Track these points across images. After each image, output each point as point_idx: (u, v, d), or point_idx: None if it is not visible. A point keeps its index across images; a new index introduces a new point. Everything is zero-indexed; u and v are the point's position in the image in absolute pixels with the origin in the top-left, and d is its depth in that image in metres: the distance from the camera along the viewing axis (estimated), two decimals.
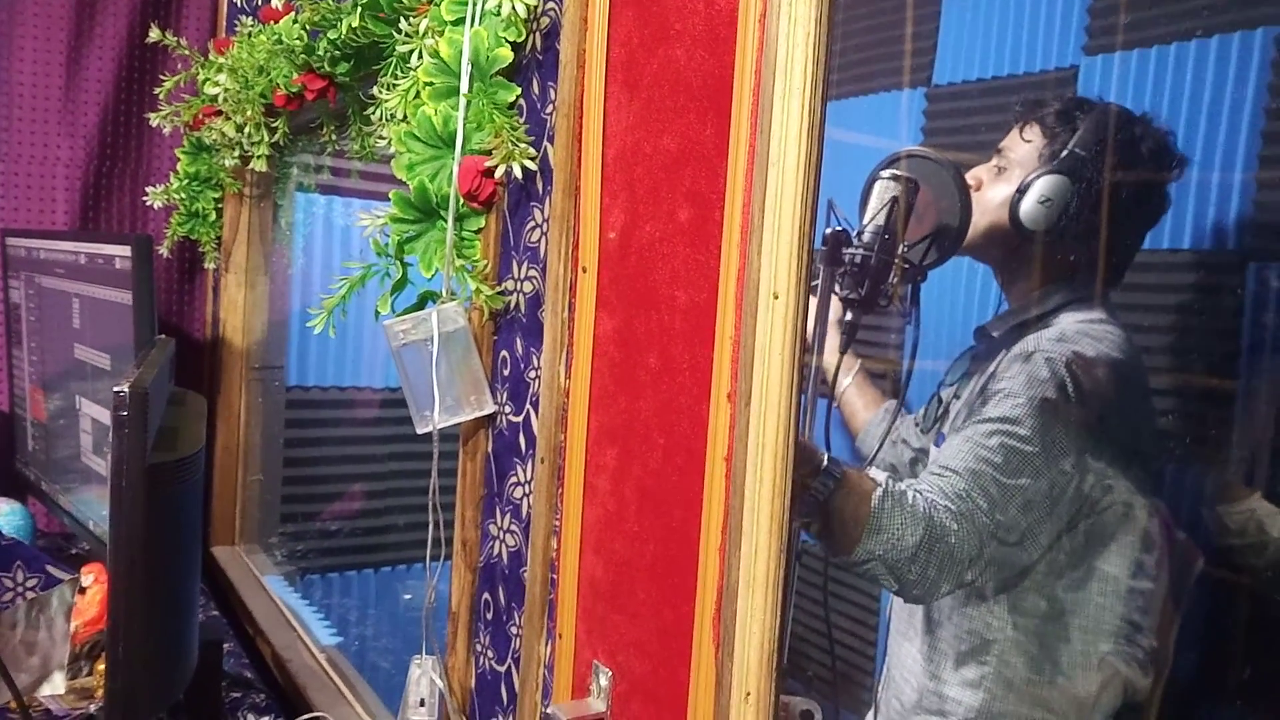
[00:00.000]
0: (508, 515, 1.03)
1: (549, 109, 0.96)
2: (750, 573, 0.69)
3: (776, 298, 0.67)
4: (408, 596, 2.29)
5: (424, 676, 1.07)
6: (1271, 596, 1.09)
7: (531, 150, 0.97)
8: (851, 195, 1.14)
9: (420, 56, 1.03)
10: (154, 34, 1.73)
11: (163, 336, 1.42)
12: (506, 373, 1.04)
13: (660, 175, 0.81)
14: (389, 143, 1.07)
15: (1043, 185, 1.09)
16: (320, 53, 1.28)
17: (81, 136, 2.07)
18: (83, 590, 1.41)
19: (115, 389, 0.91)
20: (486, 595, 1.07)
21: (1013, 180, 1.12)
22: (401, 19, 1.07)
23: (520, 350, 1.01)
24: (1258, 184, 1.17)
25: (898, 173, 1.09)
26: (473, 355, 1.04)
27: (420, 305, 1.05)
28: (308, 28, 1.30)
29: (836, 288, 1.09)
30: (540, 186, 0.97)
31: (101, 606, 1.42)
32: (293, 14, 1.37)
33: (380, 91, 1.09)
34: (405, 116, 1.04)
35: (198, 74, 1.75)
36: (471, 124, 1.00)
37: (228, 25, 2.04)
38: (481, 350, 1.05)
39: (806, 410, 0.74)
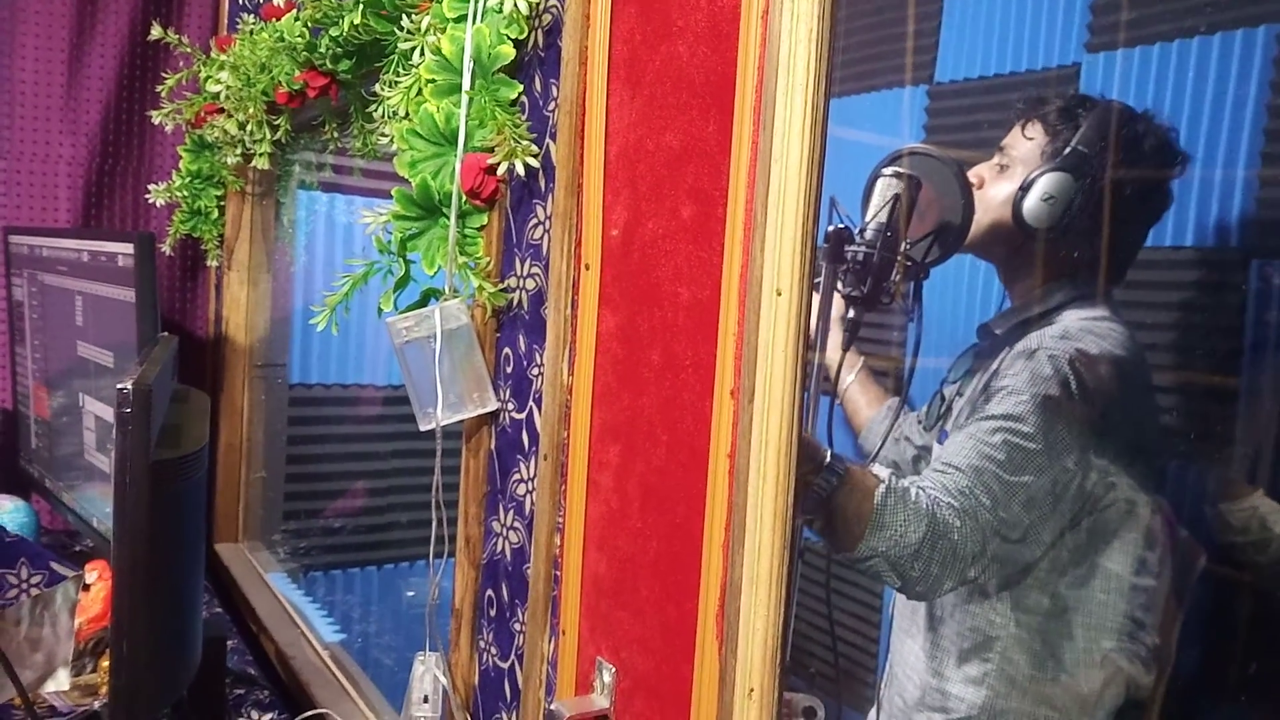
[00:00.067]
0: (511, 512, 1.03)
1: (551, 106, 0.96)
2: (754, 569, 0.69)
3: (779, 294, 0.67)
4: (411, 593, 2.30)
5: (428, 673, 1.08)
6: (1274, 593, 1.09)
7: (534, 147, 0.97)
8: (854, 193, 1.14)
9: (422, 53, 1.03)
10: (156, 31, 1.73)
11: (166, 334, 1.42)
12: (509, 370, 1.04)
13: (663, 172, 0.81)
14: (391, 140, 1.07)
15: (1046, 183, 1.09)
16: (322, 50, 1.28)
17: (84, 134, 2.07)
18: (87, 587, 1.42)
19: (118, 386, 0.92)
20: (490, 592, 1.07)
21: (1015, 178, 1.12)
22: (403, 16, 1.07)
23: (523, 347, 1.01)
24: (1260, 181, 1.17)
25: (900, 170, 1.09)
26: (475, 352, 1.04)
27: (423, 302, 1.05)
28: (310, 25, 1.30)
29: (839, 285, 1.09)
30: (543, 183, 0.98)
31: (105, 603, 1.42)
32: (295, 11, 1.37)
33: (382, 89, 1.09)
34: (407, 114, 1.04)
35: (200, 71, 1.75)
36: (474, 121, 1.00)
37: (229, 23, 2.04)
38: (484, 347, 1.05)
39: (809, 408, 0.74)
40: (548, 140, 0.96)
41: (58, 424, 1.89)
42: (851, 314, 1.10)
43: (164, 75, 1.79)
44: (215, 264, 2.01)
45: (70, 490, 1.85)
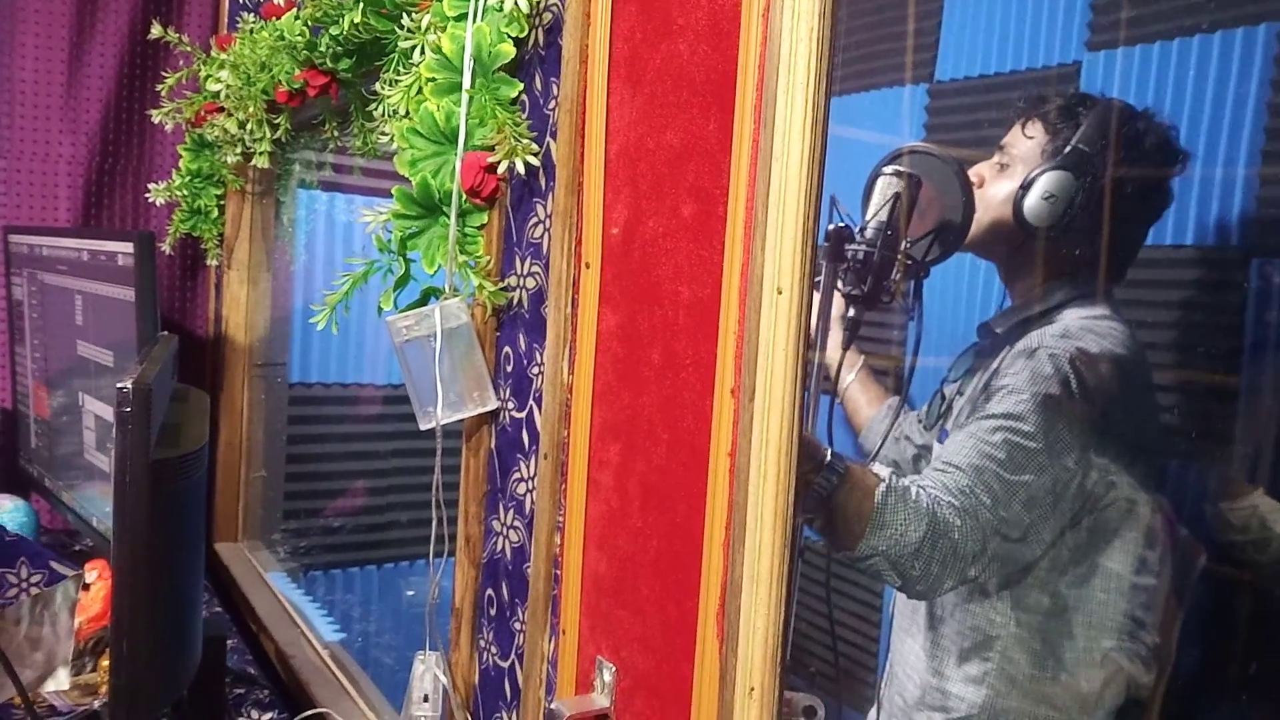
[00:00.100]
0: (511, 511, 1.03)
1: (551, 104, 0.96)
2: (754, 568, 0.69)
3: (780, 293, 0.67)
4: (411, 593, 2.30)
5: (428, 672, 1.08)
6: (1274, 592, 1.09)
7: (534, 146, 0.97)
8: (854, 192, 1.14)
9: (423, 52, 1.03)
10: (156, 30, 1.73)
11: (165, 333, 1.42)
12: (509, 369, 1.04)
13: (663, 170, 0.80)
14: (391, 139, 1.07)
15: (1047, 181, 1.09)
16: (322, 49, 1.27)
17: (83, 133, 2.07)
18: (86, 586, 1.42)
19: (118, 385, 0.91)
20: (490, 591, 1.07)
21: (1015, 176, 1.12)
22: (404, 14, 1.07)
23: (523, 346, 1.01)
24: (1260, 179, 1.16)
25: (900, 169, 1.09)
26: (475, 351, 1.04)
27: (423, 301, 1.05)
28: (310, 24, 1.30)
29: (839, 284, 1.08)
30: (543, 182, 0.97)
31: (105, 603, 1.42)
32: (295, 10, 1.37)
33: (383, 87, 1.09)
34: (408, 112, 1.04)
35: (199, 70, 1.74)
36: (474, 120, 1.00)
37: (229, 21, 2.04)
38: (484, 346, 1.05)
39: (809, 407, 0.74)
40: (548, 139, 0.96)
41: (57, 423, 1.89)
42: (852, 313, 1.10)
43: (164, 74, 1.79)
44: (215, 263, 2.01)
45: (70, 489, 1.85)
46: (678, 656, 0.78)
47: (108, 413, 1.65)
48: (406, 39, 1.06)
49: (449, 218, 1.02)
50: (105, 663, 1.38)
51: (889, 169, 1.10)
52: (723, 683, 0.72)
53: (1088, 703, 1.08)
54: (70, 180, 2.06)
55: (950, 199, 1.11)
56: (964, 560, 0.98)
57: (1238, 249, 1.19)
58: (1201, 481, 1.16)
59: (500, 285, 1.04)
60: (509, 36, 0.97)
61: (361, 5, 1.13)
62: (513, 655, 1.03)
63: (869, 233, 1.07)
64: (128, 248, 1.52)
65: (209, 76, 1.65)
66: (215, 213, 1.93)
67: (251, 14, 1.59)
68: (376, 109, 1.12)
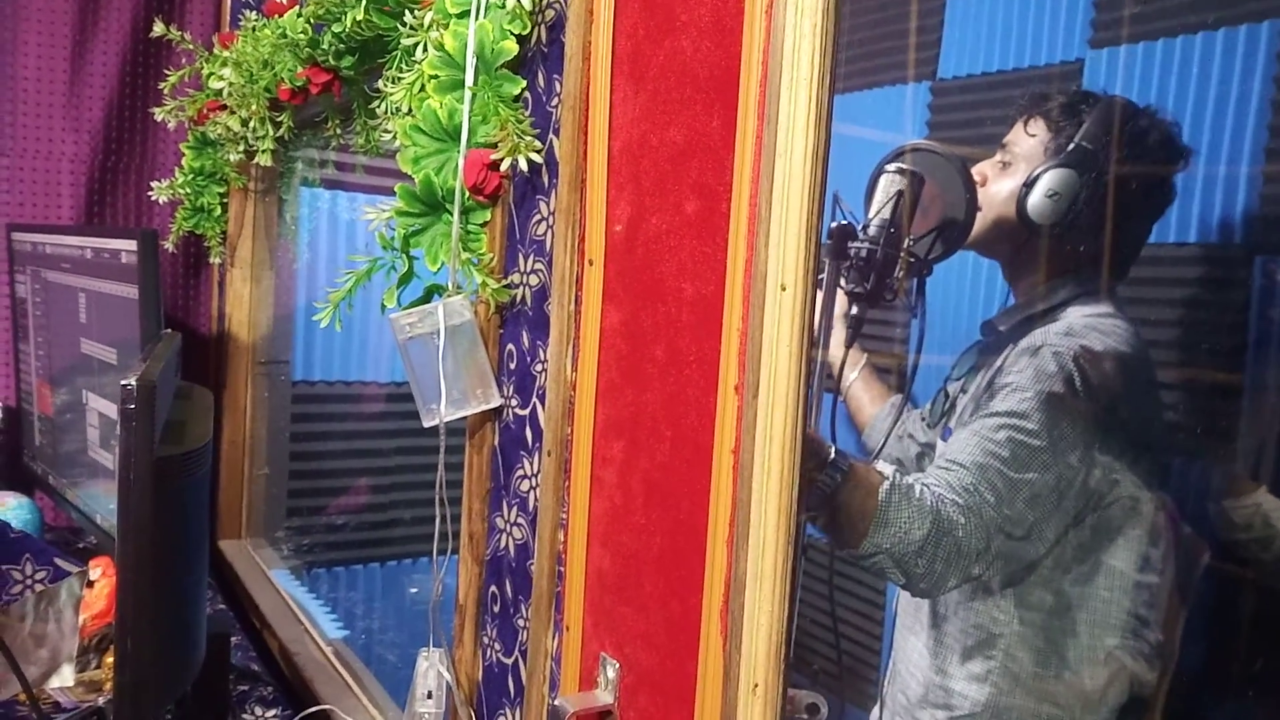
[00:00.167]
0: (514, 508, 1.03)
1: (554, 102, 0.96)
2: (758, 565, 0.69)
3: (784, 289, 0.67)
4: (414, 590, 2.30)
5: (431, 669, 1.08)
6: (1277, 590, 1.09)
7: (537, 143, 0.97)
8: (857, 189, 1.14)
9: (425, 50, 1.03)
10: (158, 28, 1.73)
11: (169, 331, 1.42)
12: (513, 366, 1.04)
13: (666, 167, 0.80)
14: (394, 136, 1.07)
15: (1050, 179, 1.09)
16: (325, 46, 1.27)
17: (86, 131, 2.07)
18: (91, 584, 1.42)
19: (122, 382, 0.92)
20: (493, 588, 1.07)
21: (1017, 175, 1.12)
22: (406, 12, 1.07)
23: (526, 343, 1.01)
24: (1264, 177, 1.16)
25: (903, 166, 1.09)
26: (479, 348, 1.04)
27: (426, 299, 1.05)
28: (312, 21, 1.30)
29: (842, 282, 1.08)
30: (546, 179, 0.97)
31: (109, 600, 1.42)
32: (297, 8, 1.37)
33: (385, 85, 1.09)
34: (410, 110, 1.04)
35: (202, 68, 1.75)
36: (477, 117, 1.00)
37: (232, 19, 2.04)
38: (487, 343, 1.05)
39: (812, 405, 0.74)
40: (551, 136, 0.96)
41: (61, 421, 1.89)
42: (855, 311, 1.10)
43: (166, 72, 1.80)
44: (218, 261, 2.01)
45: (74, 487, 1.85)
46: (681, 653, 0.78)
47: (111, 410, 1.65)
48: (409, 36, 1.06)
49: (452, 215, 1.02)
50: (109, 659, 1.38)
51: (892, 167, 1.10)
52: (726, 679, 0.72)
53: (1091, 701, 1.08)
54: (73, 178, 2.07)
55: (953, 196, 1.11)
56: (968, 558, 0.98)
57: (1241, 247, 1.19)
58: (1205, 479, 1.16)
59: (503, 282, 1.04)
60: (511, 33, 0.97)
61: (364, 2, 1.13)
62: (516, 652, 1.03)
63: (872, 230, 1.07)
64: (131, 245, 1.52)
65: (211, 74, 1.65)
66: (218, 210, 1.93)
67: (254, 11, 1.59)
68: (379, 106, 1.12)
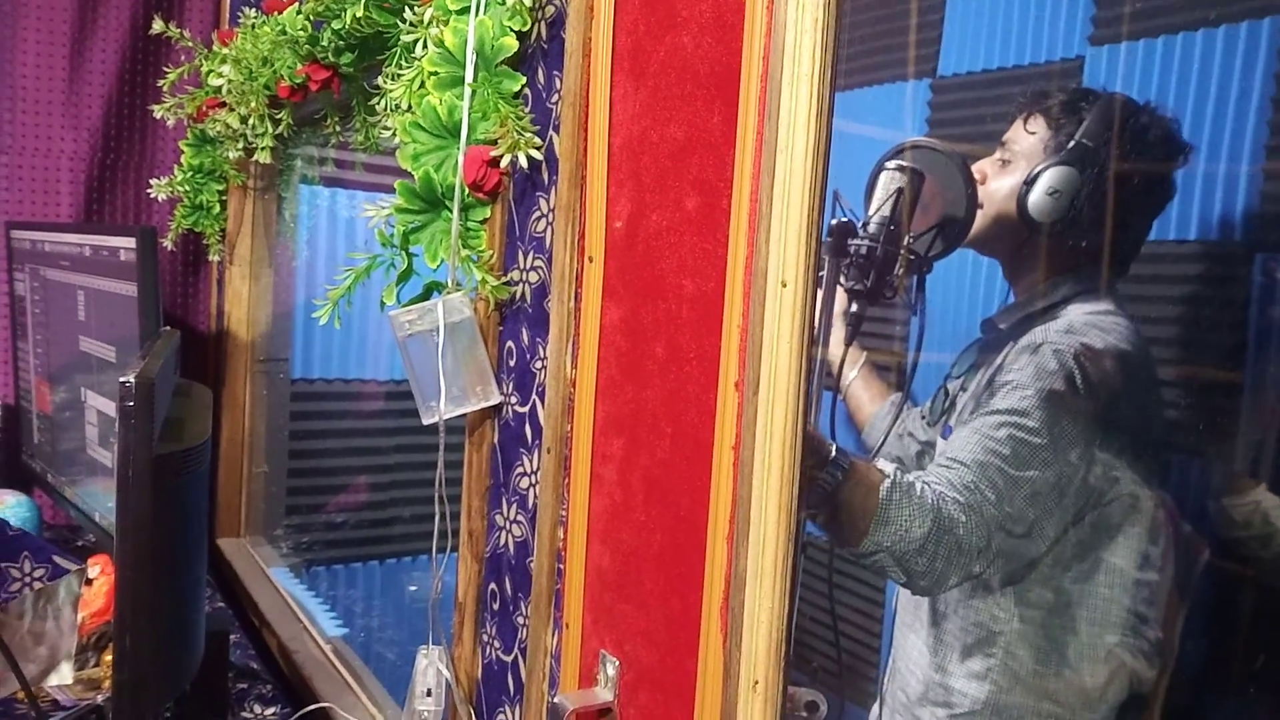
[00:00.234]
0: (514, 505, 1.03)
1: (554, 98, 0.96)
2: (758, 562, 0.69)
3: (785, 286, 0.66)
4: (413, 588, 2.30)
5: (430, 667, 1.08)
6: (1276, 588, 1.09)
7: (537, 140, 0.97)
8: (857, 186, 1.13)
9: (425, 46, 1.03)
10: (157, 26, 1.73)
11: (168, 328, 1.42)
12: (512, 363, 1.03)
13: (667, 164, 0.80)
14: (394, 133, 1.07)
15: (1051, 177, 1.09)
16: (324, 43, 1.27)
17: (85, 129, 2.07)
18: (89, 581, 1.42)
19: (121, 380, 0.91)
20: (493, 586, 1.07)
21: (1017, 172, 1.12)
22: (406, 8, 1.07)
23: (526, 340, 1.01)
24: (1265, 175, 1.16)
25: (903, 163, 1.09)
26: (478, 346, 1.04)
27: (426, 296, 1.05)
28: (311, 18, 1.30)
29: (842, 279, 1.08)
30: (546, 176, 0.97)
31: (108, 598, 1.42)
32: (296, 4, 1.36)
33: (385, 82, 1.09)
34: (410, 107, 1.04)
35: (201, 66, 1.74)
36: (476, 114, 0.99)
37: (231, 16, 2.04)
38: (487, 341, 1.05)
39: (812, 402, 0.74)
40: (551, 132, 0.96)
41: (60, 419, 1.89)
42: (854, 308, 1.10)
43: (165, 69, 1.80)
44: (217, 259, 2.01)
45: (72, 485, 1.85)
46: (681, 650, 0.78)
47: (110, 408, 1.65)
48: (409, 33, 1.05)
49: (451, 212, 1.02)
50: (108, 657, 1.38)
51: (892, 164, 1.09)
52: (726, 676, 0.72)
53: (1091, 698, 1.08)
54: (72, 176, 2.06)
55: (953, 194, 1.11)
56: (968, 556, 0.98)
57: (1241, 244, 1.19)
58: (1205, 477, 1.16)
59: (503, 279, 1.03)
60: (511, 30, 0.97)
61: None
62: (516, 649, 1.03)
63: (872, 228, 1.07)
64: (130, 243, 1.52)
65: (210, 71, 1.64)
66: (217, 208, 1.93)
67: (253, 9, 1.59)
68: (378, 103, 1.12)
